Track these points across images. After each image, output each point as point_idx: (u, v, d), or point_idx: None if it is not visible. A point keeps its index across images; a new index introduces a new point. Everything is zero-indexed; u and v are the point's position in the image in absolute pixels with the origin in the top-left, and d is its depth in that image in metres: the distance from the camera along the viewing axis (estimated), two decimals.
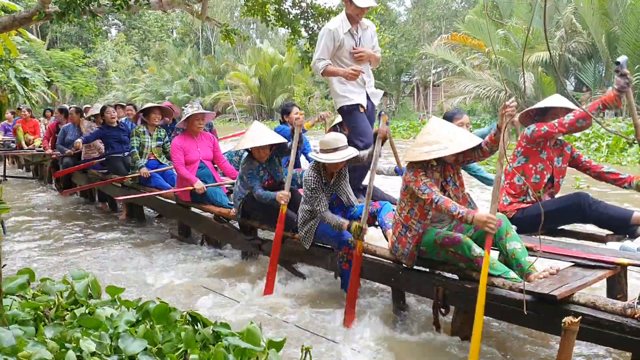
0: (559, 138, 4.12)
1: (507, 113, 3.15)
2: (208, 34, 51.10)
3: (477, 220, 3.19)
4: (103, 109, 8.02)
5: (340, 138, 4.32)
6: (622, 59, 3.53)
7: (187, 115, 6.06)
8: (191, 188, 5.91)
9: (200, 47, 52.43)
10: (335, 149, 4.24)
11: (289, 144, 5.03)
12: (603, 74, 20.30)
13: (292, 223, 4.72)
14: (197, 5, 10.60)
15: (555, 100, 4.10)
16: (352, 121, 4.89)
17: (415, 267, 3.80)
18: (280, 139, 5.07)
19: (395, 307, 4.16)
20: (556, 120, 3.74)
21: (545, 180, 4.05)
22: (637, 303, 2.73)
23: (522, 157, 4.04)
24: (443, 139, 3.43)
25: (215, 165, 6.45)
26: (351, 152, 4.28)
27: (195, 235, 6.58)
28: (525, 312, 2.90)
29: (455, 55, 24.06)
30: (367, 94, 4.96)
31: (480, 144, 3.49)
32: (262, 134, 5.03)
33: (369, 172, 4.21)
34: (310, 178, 4.32)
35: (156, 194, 6.61)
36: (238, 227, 5.69)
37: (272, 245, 4.69)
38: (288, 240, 4.85)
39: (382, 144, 4.23)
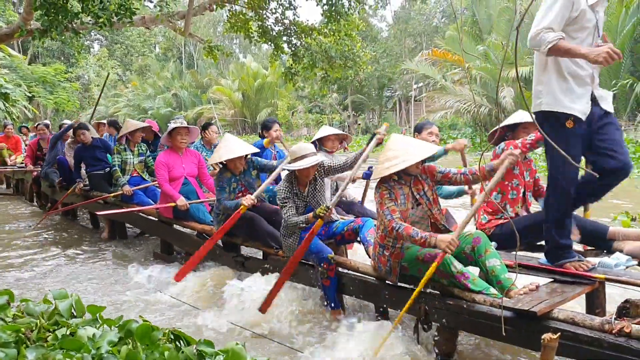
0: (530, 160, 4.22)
1: (511, 157, 3.27)
2: (191, 49, 51.13)
3: (440, 242, 3.32)
4: (74, 132, 7.94)
5: (307, 146, 4.43)
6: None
7: (170, 129, 6.06)
8: (173, 205, 5.90)
9: (183, 61, 52.42)
10: (303, 156, 4.33)
11: (270, 162, 5.12)
12: None
13: (276, 240, 4.73)
14: (180, 22, 10.66)
15: (520, 115, 4.20)
16: (555, 138, 3.12)
17: (398, 283, 3.84)
18: (253, 149, 5.17)
19: (378, 322, 4.17)
20: (520, 141, 3.83)
21: (521, 195, 4.13)
22: (615, 319, 2.79)
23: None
24: (402, 153, 3.57)
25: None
26: (318, 157, 4.39)
27: (178, 252, 6.55)
28: (504, 330, 2.94)
29: (436, 71, 24.34)
30: (592, 97, 3.39)
31: (465, 172, 3.66)
32: (235, 145, 5.08)
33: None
34: (281, 188, 4.42)
35: (138, 210, 6.58)
36: (221, 244, 5.68)
37: (256, 262, 4.69)
38: (271, 257, 4.86)
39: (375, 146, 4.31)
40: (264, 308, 4.26)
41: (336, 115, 37.11)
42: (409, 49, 34.65)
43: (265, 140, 6.00)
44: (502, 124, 4.22)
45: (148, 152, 7.41)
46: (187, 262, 4.80)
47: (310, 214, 4.25)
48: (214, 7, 11.31)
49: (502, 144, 4.03)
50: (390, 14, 39.27)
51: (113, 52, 50.96)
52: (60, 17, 7.42)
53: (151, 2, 9.45)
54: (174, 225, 6.32)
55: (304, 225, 4.30)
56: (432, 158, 4.78)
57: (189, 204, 5.92)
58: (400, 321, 3.51)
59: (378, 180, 3.75)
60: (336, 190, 5.53)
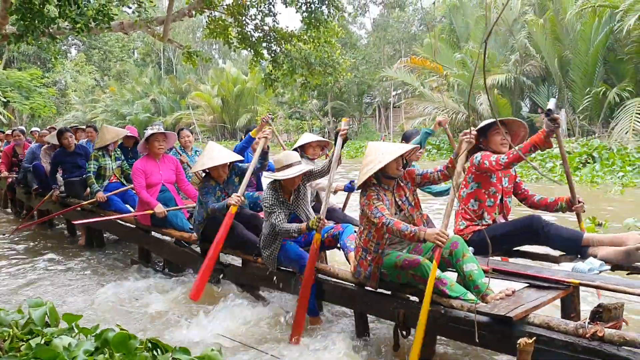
0: None
1: (466, 139, 3.28)
2: (170, 54, 50.84)
3: (429, 235, 3.33)
4: (60, 134, 7.84)
5: (293, 155, 4.43)
6: (552, 105, 3.73)
7: (147, 136, 6.02)
8: (151, 212, 5.86)
9: (161, 67, 52.07)
10: (289, 165, 4.33)
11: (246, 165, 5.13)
12: (556, 96, 20.96)
13: (255, 247, 4.72)
14: (158, 28, 10.61)
15: (487, 121, 4.27)
16: None
17: (377, 289, 3.86)
18: (237, 157, 5.14)
19: (358, 329, 4.19)
20: (494, 158, 3.90)
21: (498, 202, 4.18)
22: (588, 323, 2.83)
23: (474, 182, 4.16)
24: (377, 156, 3.63)
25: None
26: (304, 167, 4.38)
27: (156, 260, 6.50)
28: (481, 336, 2.98)
29: (414, 78, 24.55)
30: None
31: (440, 169, 3.70)
32: (219, 153, 5.06)
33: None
34: (267, 196, 4.38)
35: (116, 218, 6.52)
36: (200, 252, 5.64)
37: (238, 269, 4.66)
38: (250, 265, 4.85)
39: (343, 144, 4.30)
40: (294, 340, 4.07)
41: (316, 121, 37.14)
42: (387, 56, 34.85)
43: (252, 131, 6.00)
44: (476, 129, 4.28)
45: (123, 156, 7.35)
46: (198, 278, 4.68)
47: (304, 225, 4.20)
48: (193, 13, 11.28)
49: (479, 155, 4.08)
50: (369, 21, 39.54)
51: (91, 57, 50.43)
52: (36, 22, 7.34)
53: (129, 8, 9.38)
54: (152, 232, 6.26)
55: (296, 234, 4.28)
56: (421, 145, 4.89)
57: (167, 211, 5.88)
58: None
59: (362, 188, 3.76)
60: (316, 198, 5.57)
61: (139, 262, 6.51)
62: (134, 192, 6.27)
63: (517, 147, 3.87)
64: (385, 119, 35.15)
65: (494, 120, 4.19)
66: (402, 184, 3.84)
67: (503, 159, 3.88)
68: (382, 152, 3.65)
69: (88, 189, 7.16)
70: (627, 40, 17.42)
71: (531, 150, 3.79)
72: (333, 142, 5.86)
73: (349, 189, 5.39)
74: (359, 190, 3.84)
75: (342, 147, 4.29)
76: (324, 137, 6.10)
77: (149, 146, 6.05)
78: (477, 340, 3.01)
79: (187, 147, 6.98)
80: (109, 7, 7.98)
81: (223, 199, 5.04)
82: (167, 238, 6.09)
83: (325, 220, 4.17)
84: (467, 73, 21.63)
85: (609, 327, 2.81)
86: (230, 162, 5.12)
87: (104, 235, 7.78)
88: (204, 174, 5.20)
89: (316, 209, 5.53)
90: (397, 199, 3.79)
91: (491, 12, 22.21)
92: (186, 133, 7.06)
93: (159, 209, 5.83)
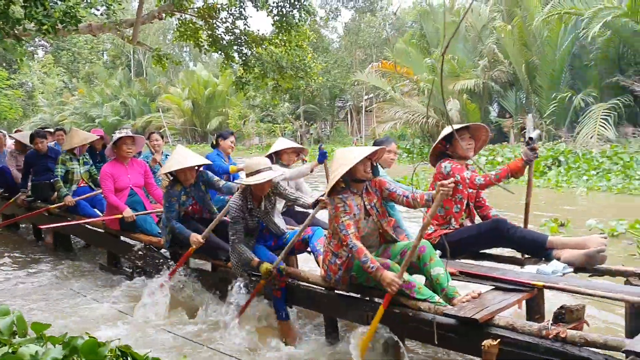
0: (469, 164, 4.35)
1: (443, 191, 3.36)
2: (140, 56, 50.27)
3: (383, 279, 3.41)
4: (32, 138, 7.70)
5: (263, 161, 4.40)
6: (535, 134, 3.85)
7: (115, 139, 5.96)
8: (120, 216, 5.80)
9: (131, 69, 51.45)
10: (258, 171, 4.29)
11: (218, 181, 5.14)
12: (524, 101, 21.36)
13: (224, 252, 4.71)
14: (128, 30, 10.50)
15: (449, 129, 4.35)
16: None
17: (346, 293, 3.89)
18: (205, 161, 5.14)
19: (327, 332, 4.21)
20: (469, 177, 3.99)
21: (464, 207, 4.27)
22: (551, 324, 2.91)
23: None
24: (344, 161, 3.67)
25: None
26: (273, 173, 4.35)
27: (125, 265, 6.43)
28: (436, 338, 3.09)
29: (385, 83, 24.73)
30: None
31: (408, 195, 3.73)
32: (186, 156, 5.03)
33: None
34: (233, 205, 4.35)
35: (84, 222, 6.43)
36: (169, 256, 5.60)
37: (206, 275, 4.65)
38: (220, 270, 4.84)
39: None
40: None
41: (288, 125, 37.12)
42: (359, 61, 35.06)
43: (231, 167, 6.00)
44: (439, 137, 4.36)
45: (91, 161, 7.25)
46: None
47: (255, 262, 4.21)
48: (163, 15, 11.20)
49: (448, 165, 4.16)
50: (341, 25, 39.72)
51: (59, 59, 49.54)
52: (1, 23, 7.21)
53: (98, 10, 9.27)
54: (121, 237, 6.20)
55: (244, 262, 4.31)
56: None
57: (136, 215, 5.83)
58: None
59: (332, 193, 3.79)
60: (288, 204, 5.56)
61: (107, 268, 6.43)
62: (103, 196, 6.19)
63: (494, 173, 3.98)
64: (358, 122, 35.34)
65: (457, 127, 4.28)
66: (371, 190, 3.88)
67: (479, 180, 3.99)
68: (348, 156, 3.69)
69: (55, 193, 7.04)
70: (592, 47, 17.87)
71: (507, 177, 3.91)
72: (307, 149, 5.90)
73: (322, 155, 5.28)
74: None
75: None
76: (296, 141, 6.11)
77: (117, 150, 5.99)
78: (437, 343, 3.10)
79: (157, 151, 6.93)
80: (76, 9, 7.87)
81: (189, 204, 5.02)
82: (136, 243, 6.03)
83: (276, 274, 4.17)
84: (436, 78, 21.88)
85: (571, 328, 2.89)
86: (198, 167, 5.10)
87: (72, 240, 7.65)
88: (171, 178, 5.16)
89: (289, 213, 5.55)
90: (366, 204, 3.83)
91: (459, 20, 22.53)
92: (156, 137, 7.02)
93: (128, 213, 5.77)
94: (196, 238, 4.74)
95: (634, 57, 17.18)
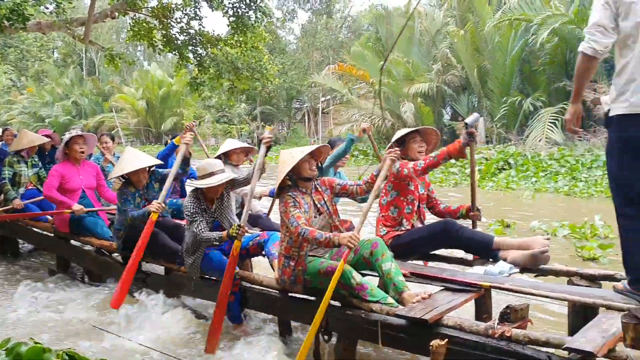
0: None
1: (390, 156, 3.42)
2: (92, 55, 49.12)
3: (342, 238, 3.46)
4: None
5: (216, 163, 4.39)
6: (470, 119, 3.97)
7: (66, 140, 5.82)
8: (70, 211, 5.63)
9: (83, 68, 50.25)
10: (211, 174, 4.29)
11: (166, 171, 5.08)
12: (476, 105, 21.87)
13: (177, 256, 4.67)
14: (79, 29, 10.27)
15: (402, 131, 4.46)
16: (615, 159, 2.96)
17: (300, 295, 3.92)
18: (156, 162, 5.10)
19: (281, 335, 4.23)
20: (412, 165, 4.10)
21: (415, 209, 4.36)
22: (497, 324, 3.01)
23: (394, 191, 4.33)
24: (288, 160, 3.75)
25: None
26: (227, 175, 4.36)
27: (76, 269, 6.29)
28: (380, 338, 3.18)
29: (342, 85, 24.92)
30: None
31: (360, 183, 3.87)
32: (138, 158, 4.97)
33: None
34: (189, 204, 4.33)
35: (29, 215, 6.25)
36: (121, 260, 5.51)
37: (158, 278, 4.60)
38: (173, 274, 4.80)
39: (266, 152, 4.31)
40: (209, 349, 4.02)
41: (245, 126, 36.94)
42: (316, 62, 35.21)
43: (176, 138, 5.94)
44: (392, 140, 4.45)
45: (40, 163, 7.05)
46: (119, 286, 4.57)
47: (225, 233, 4.18)
48: (116, 14, 11.00)
49: (397, 163, 4.24)
50: (298, 27, 39.76)
51: (6, 56, 47.84)
52: None
53: (47, 8, 9.03)
54: (71, 241, 6.06)
55: (217, 243, 4.27)
56: (344, 153, 5.08)
57: (87, 210, 5.68)
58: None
59: (281, 192, 3.83)
60: (242, 204, 5.56)
61: (57, 272, 6.27)
62: (44, 195, 5.96)
63: (433, 155, 4.06)
64: (315, 124, 35.45)
65: (409, 130, 4.39)
66: (320, 189, 3.94)
67: (420, 164, 4.07)
68: (292, 155, 3.76)
69: (2, 196, 6.82)
70: (541, 52, 18.44)
71: (446, 158, 4.02)
72: (257, 149, 5.90)
73: (274, 193, 5.39)
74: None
75: (265, 155, 4.31)
76: (252, 142, 6.12)
77: (69, 151, 5.84)
78: (380, 343, 3.19)
79: (110, 151, 6.79)
80: (24, 7, 7.66)
81: (143, 205, 4.96)
82: (87, 247, 5.91)
83: (246, 228, 4.19)
84: (392, 81, 22.18)
85: (515, 327, 2.99)
86: (150, 167, 5.05)
87: (20, 244, 7.44)
88: (123, 180, 5.08)
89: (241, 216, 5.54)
90: (315, 202, 3.87)
91: (415, 22, 22.91)
92: (105, 139, 6.86)
93: (77, 207, 5.61)
94: (157, 203, 4.65)
95: None
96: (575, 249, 6.80)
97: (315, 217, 3.85)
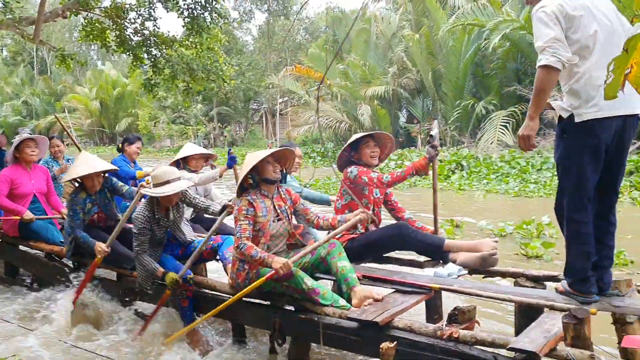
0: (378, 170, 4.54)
1: (361, 215, 3.73)
2: (44, 53, 47.83)
3: (275, 262, 3.52)
4: None
5: (172, 171, 4.33)
6: (434, 132, 4.06)
7: (16, 143, 5.66)
8: (18, 218, 5.49)
9: (34, 66, 48.87)
10: (167, 182, 4.22)
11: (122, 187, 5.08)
12: (430, 108, 22.25)
13: (129, 261, 4.61)
14: (29, 28, 10.00)
15: (356, 135, 4.51)
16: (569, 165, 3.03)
17: (254, 300, 3.94)
18: (112, 167, 5.03)
19: (235, 340, 4.23)
20: (376, 176, 4.18)
21: (371, 212, 4.42)
22: (446, 325, 3.09)
23: (349, 195, 4.38)
24: (251, 160, 3.78)
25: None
26: (183, 184, 4.30)
27: (24, 275, 6.13)
28: (322, 339, 3.27)
29: (299, 87, 24.96)
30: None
31: (320, 217, 4.03)
32: (93, 162, 4.89)
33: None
34: (139, 217, 4.24)
35: None
36: (71, 265, 5.39)
37: (110, 284, 4.53)
38: (126, 279, 4.74)
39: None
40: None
41: (201, 127, 36.55)
42: (274, 64, 35.15)
43: (138, 172, 5.86)
44: (346, 145, 4.50)
45: None
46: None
47: (160, 272, 4.16)
48: (68, 14, 10.75)
49: (355, 169, 4.30)
50: (255, 27, 39.64)
51: None
52: None
53: None
54: (20, 246, 5.89)
55: (149, 274, 4.25)
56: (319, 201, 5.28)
57: (37, 218, 5.55)
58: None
59: (242, 193, 3.85)
60: (195, 211, 5.51)
61: (3, 278, 6.10)
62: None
63: (400, 170, 4.18)
64: (272, 126, 35.38)
65: (362, 134, 4.44)
66: (283, 196, 3.97)
67: (386, 178, 4.17)
68: (256, 156, 3.79)
69: None
70: (493, 57, 18.91)
71: (412, 174, 4.12)
72: (216, 155, 5.86)
73: (231, 159, 5.32)
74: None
75: (223, 219, 4.37)
76: (209, 144, 6.09)
77: (20, 154, 5.67)
78: (322, 343, 3.30)
79: (58, 157, 6.62)
80: None
81: (94, 212, 4.90)
82: (37, 252, 5.76)
83: (182, 284, 4.15)
84: (349, 84, 22.35)
85: (463, 329, 3.07)
86: (104, 173, 4.97)
87: None
88: (76, 185, 4.98)
89: (197, 220, 5.49)
90: (276, 207, 3.90)
91: (371, 26, 23.14)
92: (56, 142, 6.69)
93: (28, 215, 5.48)
94: (101, 247, 4.60)
95: (531, 67, 18.36)
96: (520, 247, 7.02)
97: (273, 221, 3.87)
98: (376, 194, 4.51)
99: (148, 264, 4.20)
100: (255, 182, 3.87)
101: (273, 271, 3.56)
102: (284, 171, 4.05)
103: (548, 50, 2.86)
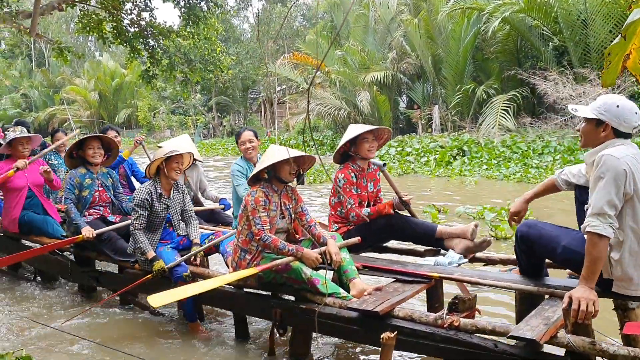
0: (370, 165, 4.50)
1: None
2: (41, 46, 47.65)
3: (306, 257, 3.59)
4: None
5: (184, 144, 4.57)
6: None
7: (9, 139, 5.64)
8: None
9: (33, 59, 48.72)
10: (174, 151, 4.35)
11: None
12: (430, 93, 22.14)
13: (126, 254, 4.60)
14: (26, 22, 9.95)
15: (355, 129, 4.45)
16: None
17: (255, 290, 3.94)
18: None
19: (237, 330, 4.24)
20: (350, 206, 4.25)
21: (365, 205, 4.42)
22: (446, 314, 3.09)
23: (340, 194, 4.37)
24: (272, 155, 3.77)
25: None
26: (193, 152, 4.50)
27: (27, 268, 6.14)
28: (316, 328, 3.29)
29: (297, 74, 24.82)
30: None
31: (312, 226, 4.01)
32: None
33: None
34: (142, 189, 4.35)
35: None
36: (73, 259, 5.40)
37: (114, 276, 4.55)
38: (127, 272, 4.74)
39: None
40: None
41: (200, 117, 36.49)
42: (271, 51, 35.00)
43: (125, 152, 5.86)
44: (342, 141, 4.46)
45: None
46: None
47: (150, 254, 4.20)
48: (64, 6, 10.68)
49: (343, 180, 4.29)
50: (252, 15, 39.46)
51: None
52: None
53: None
54: (22, 241, 5.89)
55: (139, 251, 4.29)
56: None
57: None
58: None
59: (255, 183, 3.87)
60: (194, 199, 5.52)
61: (7, 272, 6.11)
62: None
63: (367, 214, 4.25)
64: (271, 114, 35.31)
65: (362, 131, 4.39)
66: (289, 195, 3.97)
67: (352, 216, 4.25)
68: (277, 153, 3.77)
69: None
70: (493, 40, 18.75)
71: (377, 216, 4.24)
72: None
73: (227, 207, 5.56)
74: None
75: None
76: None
77: (13, 150, 5.66)
78: (316, 331, 3.34)
79: (62, 151, 6.58)
80: None
81: (96, 189, 5.02)
82: (38, 246, 5.75)
83: (167, 272, 4.18)
84: (348, 70, 22.23)
85: (464, 317, 3.08)
86: (107, 156, 5.24)
87: None
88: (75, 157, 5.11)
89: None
90: (282, 205, 3.90)
91: (369, 11, 22.98)
92: (59, 136, 6.65)
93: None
94: (90, 232, 4.65)
95: (531, 50, 18.24)
96: (489, 230, 7.23)
97: (280, 218, 3.89)
98: (370, 188, 4.50)
99: (141, 242, 4.26)
100: (269, 177, 3.87)
101: (274, 262, 3.58)
102: (302, 172, 4.05)
103: (605, 217, 2.70)
